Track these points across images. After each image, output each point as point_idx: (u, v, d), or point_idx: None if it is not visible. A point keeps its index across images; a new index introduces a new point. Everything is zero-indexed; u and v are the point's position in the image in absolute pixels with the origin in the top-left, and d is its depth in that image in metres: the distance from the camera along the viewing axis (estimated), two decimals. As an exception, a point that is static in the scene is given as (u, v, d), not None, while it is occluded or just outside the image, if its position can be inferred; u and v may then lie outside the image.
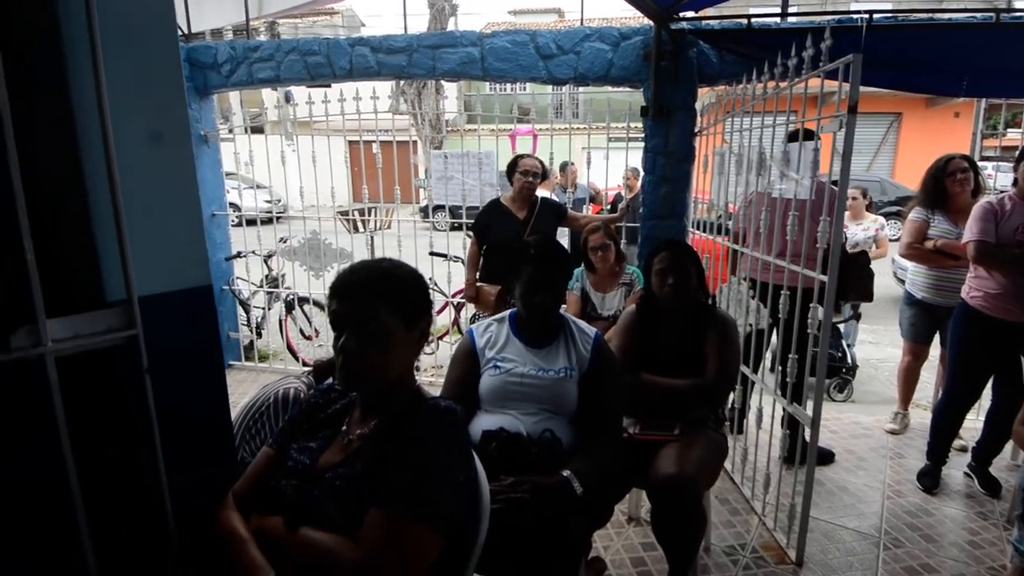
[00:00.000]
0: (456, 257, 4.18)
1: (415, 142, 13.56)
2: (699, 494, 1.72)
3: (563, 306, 1.86)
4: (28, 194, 0.86)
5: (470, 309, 4.17)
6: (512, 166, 3.37)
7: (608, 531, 2.35)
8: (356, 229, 4.41)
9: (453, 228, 4.18)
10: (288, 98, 4.06)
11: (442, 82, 10.79)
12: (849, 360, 4.02)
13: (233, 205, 4.47)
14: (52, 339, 0.90)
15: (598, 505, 1.63)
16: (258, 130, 4.17)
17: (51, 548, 0.96)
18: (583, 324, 1.80)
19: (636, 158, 3.84)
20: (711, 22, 3.35)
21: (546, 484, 1.44)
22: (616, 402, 1.70)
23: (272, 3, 3.94)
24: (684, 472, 1.68)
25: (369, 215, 4.28)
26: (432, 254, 4.22)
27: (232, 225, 4.45)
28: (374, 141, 3.92)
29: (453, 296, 4.31)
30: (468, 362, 1.75)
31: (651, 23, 3.30)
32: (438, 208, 5.26)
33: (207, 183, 4.08)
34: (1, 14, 0.82)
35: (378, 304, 1.08)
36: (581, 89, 4.04)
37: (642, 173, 3.60)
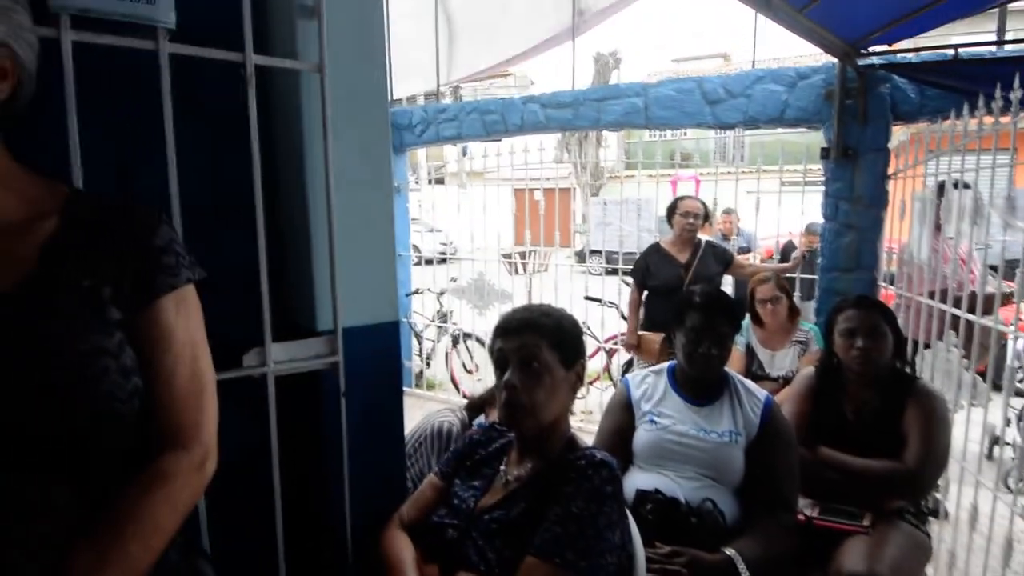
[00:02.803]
0: (610, 302, 4.16)
1: (573, 189, 14.00)
2: (893, 599, 1.46)
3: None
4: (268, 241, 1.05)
5: (622, 355, 4.10)
6: (672, 208, 3.30)
7: (773, 620, 2.08)
8: (516, 271, 4.63)
9: (608, 273, 4.19)
10: (464, 152, 4.47)
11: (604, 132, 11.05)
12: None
13: (414, 246, 5.00)
14: (274, 361, 1.07)
15: (764, 591, 1.46)
16: (439, 181, 4.65)
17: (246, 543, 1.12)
18: (751, 384, 1.66)
19: (810, 202, 3.54)
20: (907, 55, 3.02)
21: (707, 561, 1.32)
22: (790, 478, 1.53)
23: (457, 71, 4.42)
24: (876, 572, 1.44)
25: (528, 258, 4.47)
26: (587, 298, 4.25)
27: (413, 264, 4.95)
28: (537, 189, 4.13)
29: (606, 341, 4.28)
30: (623, 413, 1.70)
31: (834, 60, 3.08)
32: (593, 252, 5.30)
33: (397, 228, 4.59)
34: (260, 91, 1.03)
35: (541, 342, 1.13)
36: (747, 131, 3.88)
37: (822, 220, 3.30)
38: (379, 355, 1.22)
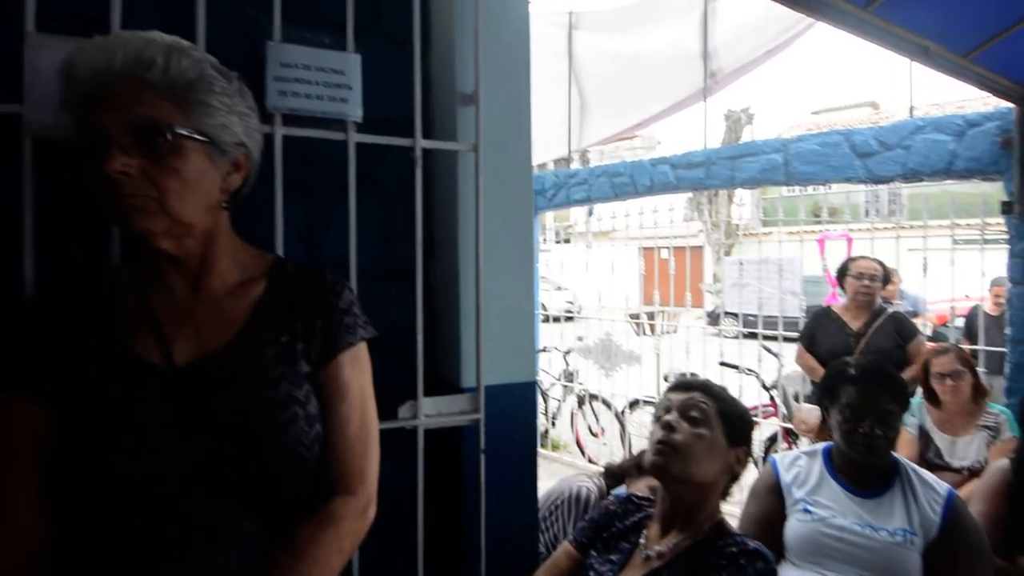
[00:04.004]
0: (750, 370, 3.86)
1: (702, 247, 13.51)
2: None
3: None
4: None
5: (764, 429, 3.75)
6: (843, 270, 3.02)
7: None
8: (643, 332, 4.52)
9: (745, 337, 3.92)
10: (591, 212, 4.57)
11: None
12: None
13: (542, 304, 5.13)
14: (424, 414, 1.14)
15: None
16: (566, 240, 4.79)
17: None
18: (928, 475, 1.44)
19: (991, 261, 3.09)
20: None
21: None
22: (984, 590, 1.29)
23: (588, 138, 4.61)
24: None
25: (655, 319, 4.35)
26: (722, 364, 3.99)
27: (540, 322, 5.05)
28: (665, 247, 4.06)
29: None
30: (771, 498, 1.54)
31: (1009, 105, 2.75)
32: (728, 314, 5.03)
33: (530, 288, 4.81)
34: (425, 178, 1.16)
35: (710, 402, 1.15)
36: (904, 184, 3.54)
37: (1008, 284, 2.86)
38: (517, 414, 1.25)
